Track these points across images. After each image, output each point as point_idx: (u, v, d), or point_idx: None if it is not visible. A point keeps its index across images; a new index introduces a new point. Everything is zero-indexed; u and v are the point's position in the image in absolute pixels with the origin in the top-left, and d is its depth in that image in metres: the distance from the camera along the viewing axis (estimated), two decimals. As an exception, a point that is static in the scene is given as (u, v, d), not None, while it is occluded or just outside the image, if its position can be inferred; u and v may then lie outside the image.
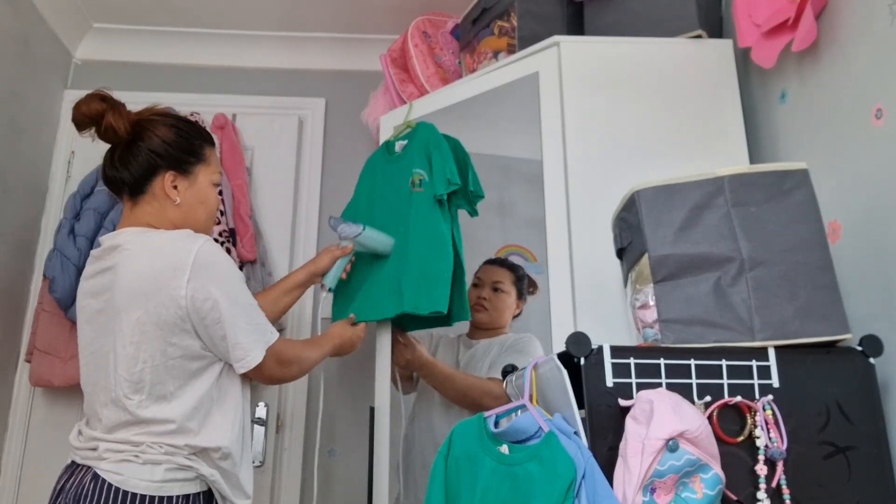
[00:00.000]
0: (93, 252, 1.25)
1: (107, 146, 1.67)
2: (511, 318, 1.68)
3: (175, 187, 1.24)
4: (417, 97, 1.81)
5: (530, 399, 1.02)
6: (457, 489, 1.02)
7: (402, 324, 1.63)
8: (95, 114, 1.20)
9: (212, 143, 1.32)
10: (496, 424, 1.05)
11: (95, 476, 1.09)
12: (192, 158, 1.26)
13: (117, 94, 1.26)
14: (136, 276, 1.14)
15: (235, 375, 1.21)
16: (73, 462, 1.17)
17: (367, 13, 2.20)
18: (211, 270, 1.15)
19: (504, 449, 1.00)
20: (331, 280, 1.57)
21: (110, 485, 1.08)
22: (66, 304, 1.80)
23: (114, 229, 1.80)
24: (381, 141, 1.80)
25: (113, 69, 2.28)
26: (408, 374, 1.69)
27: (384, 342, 1.67)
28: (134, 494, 1.07)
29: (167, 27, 2.29)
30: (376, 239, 1.58)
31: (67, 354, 1.80)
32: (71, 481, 1.13)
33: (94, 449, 1.13)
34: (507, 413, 1.07)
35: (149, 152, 1.22)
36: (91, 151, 2.05)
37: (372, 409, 1.67)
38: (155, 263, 1.15)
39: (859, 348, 1.00)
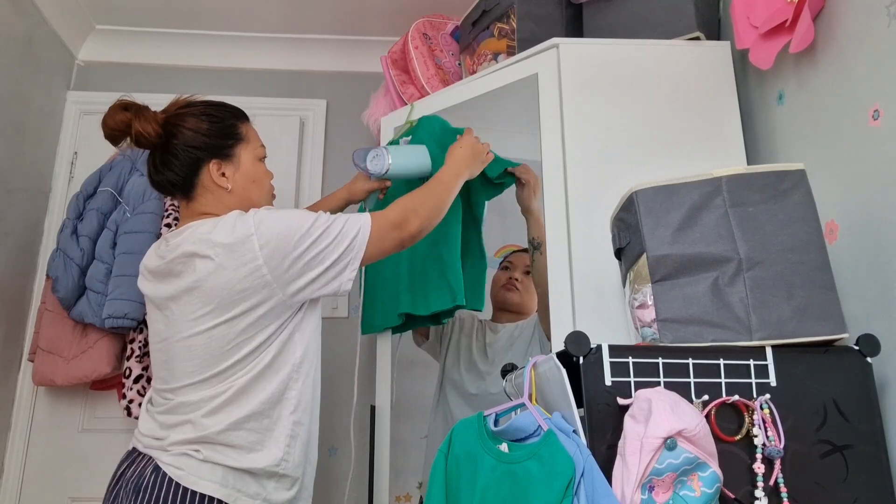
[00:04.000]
0: (155, 249, 1.24)
1: (106, 147, 1.67)
2: (537, 306, 1.68)
3: (223, 174, 1.22)
4: (418, 98, 1.82)
5: (530, 398, 1.03)
6: (457, 487, 1.03)
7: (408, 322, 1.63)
8: (122, 125, 1.19)
9: (246, 119, 1.30)
10: (496, 423, 1.06)
11: (157, 468, 1.08)
12: (231, 141, 1.24)
13: (120, 96, 1.25)
14: (207, 261, 1.12)
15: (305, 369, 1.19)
16: (134, 449, 1.16)
17: (367, 15, 2.21)
18: (274, 229, 1.13)
19: (504, 447, 1.01)
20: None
21: (171, 479, 1.06)
22: (69, 303, 1.80)
23: (116, 230, 1.84)
24: (382, 142, 1.81)
25: (115, 71, 2.29)
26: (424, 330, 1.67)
27: (384, 342, 1.68)
28: (194, 492, 1.05)
29: (170, 29, 2.30)
30: (408, 167, 1.49)
31: (70, 354, 1.81)
32: (132, 470, 1.11)
33: (160, 439, 1.11)
34: (506, 412, 1.08)
35: (186, 148, 1.20)
36: (94, 153, 2.09)
37: (373, 408, 1.68)
38: (223, 241, 1.13)
39: (856, 348, 1.01)
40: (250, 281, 1.12)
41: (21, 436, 1.95)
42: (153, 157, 1.23)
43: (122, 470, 1.14)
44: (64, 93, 2.25)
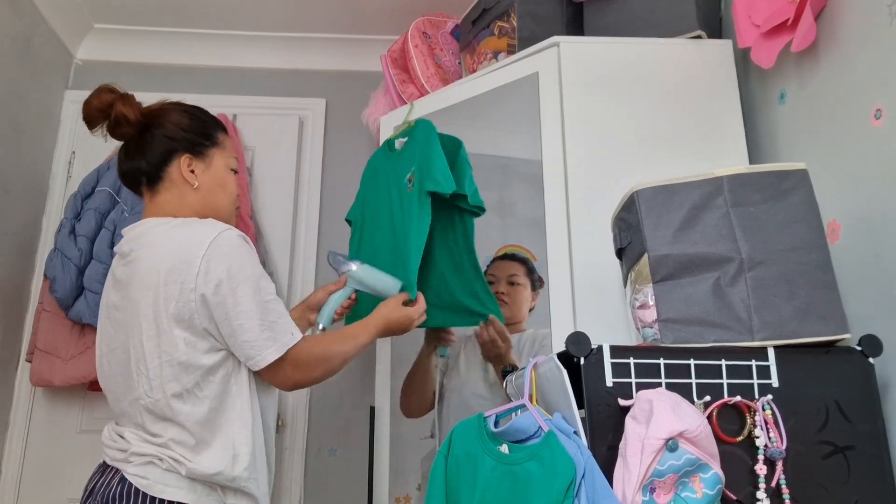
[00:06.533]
0: (117, 247, 1.23)
1: (105, 147, 1.66)
2: (528, 312, 1.67)
3: (192, 171, 1.22)
4: (417, 97, 1.81)
5: (530, 399, 1.02)
6: (457, 488, 1.02)
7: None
8: (105, 105, 1.20)
9: (225, 131, 1.31)
10: (496, 424, 1.06)
11: (123, 479, 1.08)
12: (207, 142, 1.25)
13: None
14: (151, 270, 1.11)
15: (247, 377, 1.14)
16: (104, 462, 1.16)
17: (367, 14, 2.21)
18: (224, 263, 1.10)
19: (504, 448, 1.00)
20: (324, 317, 1.41)
21: (137, 489, 1.06)
22: (67, 303, 1.80)
23: (114, 230, 1.84)
24: (381, 141, 1.80)
25: (114, 70, 2.28)
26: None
27: (384, 342, 1.67)
28: (162, 500, 1.06)
29: (168, 28, 2.30)
30: (374, 277, 1.43)
31: (68, 354, 1.81)
32: (100, 482, 1.12)
33: (124, 451, 1.11)
34: (507, 413, 1.08)
35: (163, 137, 1.21)
36: (92, 152, 2.09)
37: (372, 409, 1.67)
38: (170, 255, 1.11)
39: (858, 348, 1.00)
40: (180, 302, 1.10)
41: (19, 437, 1.95)
42: (126, 146, 1.24)
43: (92, 484, 1.14)
44: (62, 92, 2.24)
